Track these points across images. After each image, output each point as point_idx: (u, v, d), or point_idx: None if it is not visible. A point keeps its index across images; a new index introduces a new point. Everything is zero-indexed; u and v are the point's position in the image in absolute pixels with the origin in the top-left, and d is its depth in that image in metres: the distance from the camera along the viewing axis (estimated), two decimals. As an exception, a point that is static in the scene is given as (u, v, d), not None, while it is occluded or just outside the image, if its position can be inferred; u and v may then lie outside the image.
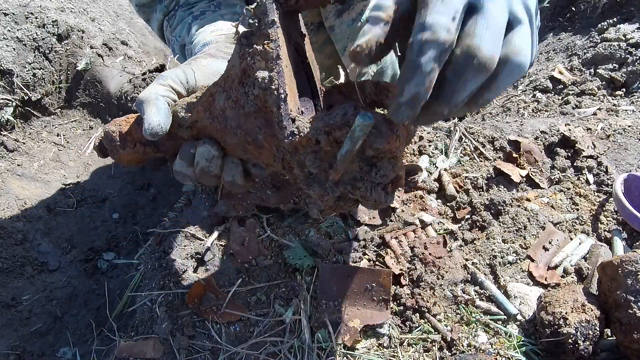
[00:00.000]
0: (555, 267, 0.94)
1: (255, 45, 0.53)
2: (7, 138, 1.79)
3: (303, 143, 0.51)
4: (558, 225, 1.01)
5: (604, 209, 1.04)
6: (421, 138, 1.18)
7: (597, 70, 1.51)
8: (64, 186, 1.75)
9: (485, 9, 0.41)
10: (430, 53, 0.39)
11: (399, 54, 1.76)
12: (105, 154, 0.71)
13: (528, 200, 1.04)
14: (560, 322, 0.77)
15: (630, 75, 1.45)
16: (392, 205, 0.99)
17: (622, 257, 0.77)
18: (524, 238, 0.98)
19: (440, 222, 1.00)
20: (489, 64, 0.40)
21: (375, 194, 0.52)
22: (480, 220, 1.00)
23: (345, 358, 0.80)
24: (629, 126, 1.26)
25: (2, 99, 1.79)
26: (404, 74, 0.40)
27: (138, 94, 1.47)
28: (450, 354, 0.81)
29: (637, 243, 0.98)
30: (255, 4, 0.54)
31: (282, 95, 0.52)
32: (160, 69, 2.01)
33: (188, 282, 0.90)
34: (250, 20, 0.54)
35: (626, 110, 1.34)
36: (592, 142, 1.20)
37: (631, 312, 0.73)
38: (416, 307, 0.86)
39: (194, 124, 0.63)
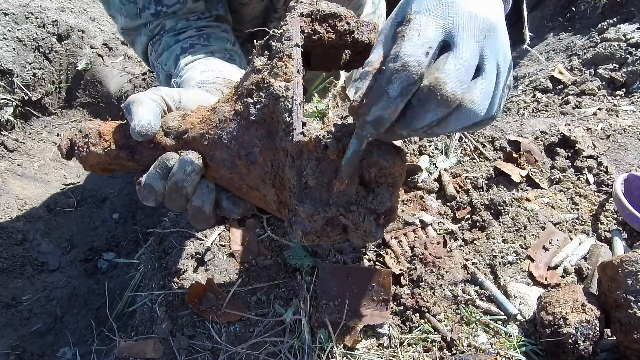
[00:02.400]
0: (555, 267, 0.94)
1: (276, 60, 0.56)
2: (7, 138, 1.79)
3: (310, 146, 0.50)
4: (558, 225, 1.01)
5: (604, 209, 1.04)
6: (421, 138, 1.18)
7: (597, 70, 1.51)
8: (64, 186, 1.75)
9: (458, 49, 0.43)
10: (399, 83, 0.41)
11: None
12: (71, 153, 0.63)
13: (528, 200, 1.04)
14: (560, 322, 0.77)
15: (630, 75, 1.45)
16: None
17: (622, 257, 0.77)
18: (524, 238, 0.98)
19: (440, 222, 1.00)
20: (451, 100, 0.42)
21: (367, 222, 0.52)
22: (480, 220, 0.99)
23: (345, 358, 0.80)
24: (629, 126, 1.26)
25: (2, 99, 1.79)
26: (372, 96, 0.43)
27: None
28: (450, 354, 0.81)
29: (637, 243, 0.98)
30: (283, 29, 0.58)
31: (297, 101, 0.52)
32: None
33: (188, 282, 0.90)
34: (274, 43, 0.57)
35: (626, 110, 1.34)
36: (592, 142, 1.20)
37: (631, 312, 0.73)
38: (416, 307, 0.86)
39: (182, 135, 0.61)
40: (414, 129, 0.44)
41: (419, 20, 0.43)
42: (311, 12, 0.61)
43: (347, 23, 0.62)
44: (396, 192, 0.53)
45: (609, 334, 0.82)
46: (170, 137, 0.60)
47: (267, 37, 0.60)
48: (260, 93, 0.56)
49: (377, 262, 0.93)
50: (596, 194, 1.08)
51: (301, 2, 0.62)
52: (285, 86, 0.54)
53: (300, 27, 0.59)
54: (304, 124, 0.51)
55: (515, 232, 0.99)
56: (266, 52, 0.59)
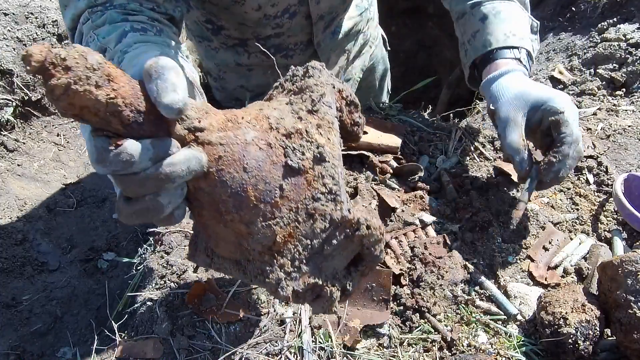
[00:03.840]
0: (555, 267, 0.94)
1: (318, 118, 0.59)
2: (7, 138, 1.79)
3: (348, 224, 0.55)
4: (558, 225, 1.01)
5: (604, 209, 1.04)
6: (421, 138, 1.18)
7: (597, 70, 1.51)
8: (64, 186, 1.75)
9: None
10: (573, 162, 0.91)
11: (388, 48, 1.77)
12: (45, 72, 0.43)
13: (528, 200, 1.04)
14: (560, 322, 0.77)
15: (630, 75, 1.45)
16: (392, 205, 0.99)
17: (622, 257, 0.77)
18: (524, 238, 0.98)
19: (440, 222, 1.00)
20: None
21: (336, 296, 0.58)
22: (480, 220, 1.00)
23: (345, 358, 0.80)
24: (629, 126, 1.26)
25: (2, 99, 1.79)
26: (559, 165, 0.89)
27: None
28: (450, 354, 0.81)
29: (637, 243, 0.98)
30: (321, 91, 0.61)
31: (341, 174, 0.57)
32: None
33: (188, 282, 0.90)
34: (314, 98, 0.60)
35: (626, 110, 1.34)
36: (592, 142, 1.20)
37: (631, 312, 0.73)
38: (416, 307, 0.86)
39: (197, 131, 0.53)
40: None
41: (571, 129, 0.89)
42: (342, 90, 0.66)
43: (360, 117, 0.69)
44: (361, 282, 0.62)
45: (609, 334, 0.82)
46: (183, 126, 0.52)
47: (300, 79, 0.63)
48: (302, 143, 0.57)
49: (377, 262, 0.93)
50: (596, 194, 1.08)
51: (331, 75, 0.66)
52: (331, 152, 0.57)
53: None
54: (347, 199, 0.56)
55: (515, 232, 0.99)
56: (302, 95, 0.61)
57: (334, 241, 0.56)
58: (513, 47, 1.00)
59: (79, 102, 0.45)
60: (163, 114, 0.47)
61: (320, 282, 0.56)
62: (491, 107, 0.98)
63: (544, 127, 0.92)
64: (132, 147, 0.46)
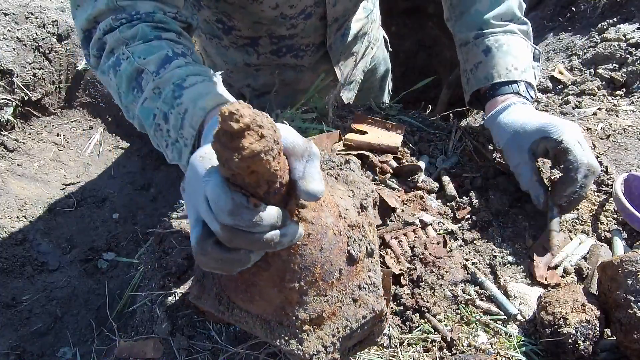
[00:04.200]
0: (555, 267, 0.94)
1: (366, 213, 0.70)
2: (7, 138, 1.79)
3: (381, 316, 0.66)
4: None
5: (604, 209, 1.04)
6: (421, 138, 1.18)
7: (597, 70, 1.51)
8: (64, 186, 1.75)
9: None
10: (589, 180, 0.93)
11: (390, 50, 1.77)
12: (245, 135, 0.44)
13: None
14: (560, 322, 0.77)
15: (630, 75, 1.45)
16: (392, 205, 0.99)
17: (622, 257, 0.77)
18: (524, 238, 0.98)
19: (440, 222, 1.00)
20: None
21: None
22: (480, 220, 0.99)
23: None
24: (629, 126, 1.26)
25: (2, 99, 1.79)
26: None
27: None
28: (450, 354, 0.81)
29: (637, 243, 0.98)
30: (367, 193, 0.72)
31: (379, 271, 0.69)
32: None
33: (188, 282, 0.90)
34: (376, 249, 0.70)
35: (626, 110, 1.34)
36: (592, 142, 1.20)
37: (631, 312, 0.73)
38: (416, 307, 0.86)
39: (301, 207, 0.56)
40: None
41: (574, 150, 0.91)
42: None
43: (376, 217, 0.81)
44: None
45: (609, 334, 0.82)
46: (296, 201, 0.56)
47: (339, 168, 0.72)
48: (360, 237, 0.66)
49: (377, 262, 0.93)
50: (596, 194, 1.08)
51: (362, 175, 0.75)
52: (377, 249, 0.69)
53: None
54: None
55: (515, 232, 0.99)
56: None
57: (366, 327, 0.64)
58: (513, 82, 1.05)
59: (255, 167, 0.47)
60: (301, 197, 0.51)
61: (339, 358, 0.63)
62: (497, 146, 1.05)
63: (551, 156, 0.95)
64: (270, 213, 0.49)
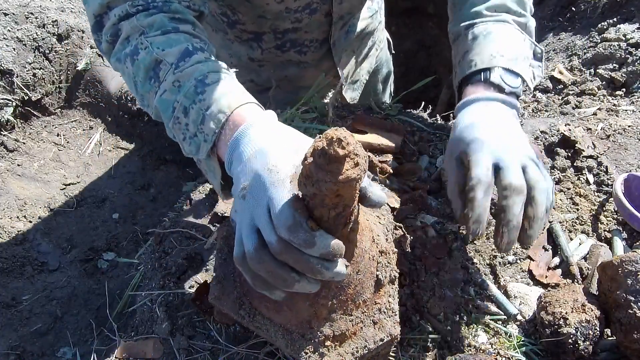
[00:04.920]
0: (555, 267, 0.94)
1: (389, 242, 0.75)
2: (7, 138, 1.79)
3: (395, 340, 0.70)
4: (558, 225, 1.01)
5: (604, 209, 1.04)
6: (421, 138, 1.18)
7: (597, 70, 1.51)
8: (64, 186, 1.75)
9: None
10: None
11: (393, 52, 1.77)
12: (343, 161, 0.46)
13: (528, 200, 1.04)
14: (560, 322, 0.77)
15: (630, 75, 1.45)
16: (392, 206, 0.99)
17: (622, 257, 0.77)
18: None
19: (440, 222, 1.00)
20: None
21: None
22: (480, 220, 0.99)
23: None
24: (629, 126, 1.26)
25: (2, 99, 1.79)
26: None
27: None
28: (450, 354, 0.81)
29: (637, 243, 0.98)
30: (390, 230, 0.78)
31: (397, 298, 0.75)
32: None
33: (188, 282, 0.90)
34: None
35: (626, 110, 1.34)
36: (592, 142, 1.20)
37: (631, 312, 0.73)
38: (416, 307, 0.86)
39: (352, 230, 0.59)
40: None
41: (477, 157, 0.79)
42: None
43: None
44: None
45: (609, 334, 0.82)
46: (349, 226, 0.58)
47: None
48: (386, 263, 0.70)
49: (377, 262, 0.93)
50: (596, 194, 1.08)
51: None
52: (397, 277, 0.75)
53: None
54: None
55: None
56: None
57: (379, 349, 0.67)
58: (485, 70, 0.92)
59: (342, 192, 0.48)
60: (371, 203, 0.57)
61: None
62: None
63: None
64: (325, 238, 0.52)
